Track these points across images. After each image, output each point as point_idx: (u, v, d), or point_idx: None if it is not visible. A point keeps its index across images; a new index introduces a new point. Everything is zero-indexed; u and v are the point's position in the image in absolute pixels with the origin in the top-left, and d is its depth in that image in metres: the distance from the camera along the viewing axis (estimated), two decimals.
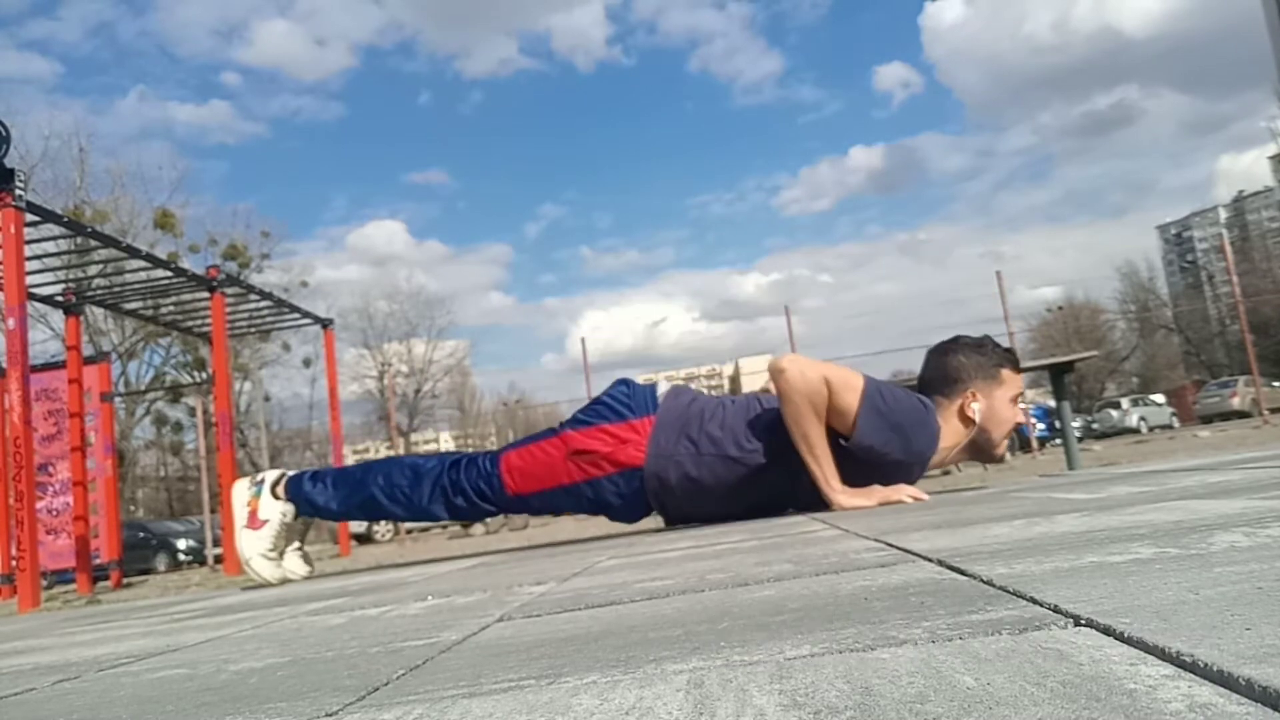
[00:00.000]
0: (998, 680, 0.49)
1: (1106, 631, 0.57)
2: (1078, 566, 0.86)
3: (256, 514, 2.88)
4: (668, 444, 2.64)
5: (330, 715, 0.66)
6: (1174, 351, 47.94)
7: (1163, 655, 0.50)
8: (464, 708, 0.61)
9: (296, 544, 3.01)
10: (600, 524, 6.11)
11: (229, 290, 7.60)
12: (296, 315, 8.92)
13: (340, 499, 2.86)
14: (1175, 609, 0.60)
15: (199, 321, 8.53)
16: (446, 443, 46.83)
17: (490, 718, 0.57)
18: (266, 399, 32.89)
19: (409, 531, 16.86)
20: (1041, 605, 0.69)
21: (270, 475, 2.95)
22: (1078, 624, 0.61)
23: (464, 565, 2.65)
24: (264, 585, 2.83)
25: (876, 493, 2.55)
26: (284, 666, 0.96)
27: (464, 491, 2.76)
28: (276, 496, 2.89)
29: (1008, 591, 0.77)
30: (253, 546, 2.85)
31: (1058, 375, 4.28)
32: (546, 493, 2.73)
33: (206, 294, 7.44)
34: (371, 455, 44.11)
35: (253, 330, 10.73)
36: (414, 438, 41.42)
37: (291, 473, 2.95)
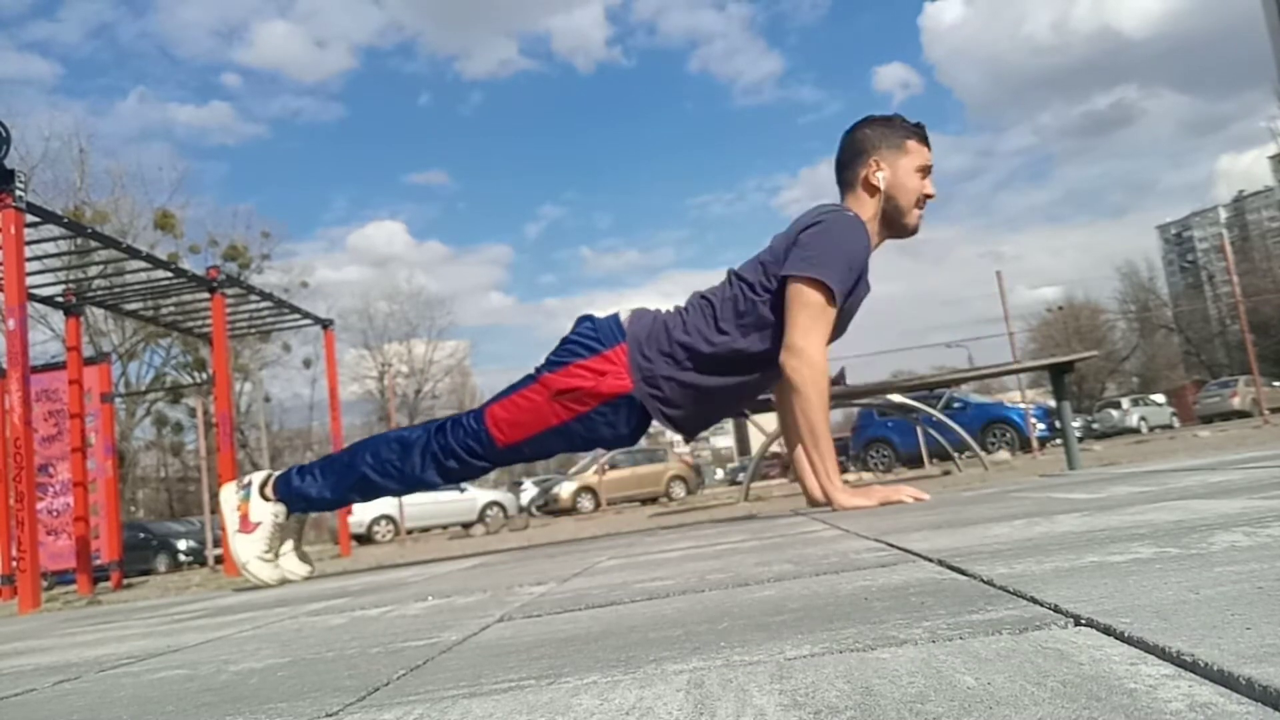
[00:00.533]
0: (998, 680, 0.49)
1: (1107, 631, 0.57)
2: (1078, 566, 0.86)
3: (248, 517, 2.86)
4: (648, 363, 2.65)
5: (330, 715, 0.66)
6: (1174, 351, 47.94)
7: (1163, 655, 0.50)
8: (464, 708, 0.61)
9: (294, 544, 3.00)
10: (601, 525, 6.11)
11: (229, 291, 7.59)
12: (297, 316, 8.91)
13: (332, 486, 2.84)
14: (1175, 609, 0.60)
15: (199, 322, 8.52)
16: None
17: (490, 718, 0.57)
18: (267, 399, 32.92)
19: (409, 531, 16.86)
20: (1042, 605, 0.69)
21: (257, 477, 2.94)
22: (1078, 624, 0.61)
23: (464, 565, 2.65)
24: (263, 587, 2.83)
25: (877, 492, 2.55)
26: (284, 667, 0.96)
27: (454, 453, 2.74)
28: (266, 498, 2.88)
29: (1008, 591, 0.77)
30: (248, 550, 2.84)
31: (1058, 375, 4.28)
32: (536, 437, 2.72)
33: (207, 295, 7.43)
34: None
35: (253, 331, 10.73)
36: None
37: (278, 472, 2.94)
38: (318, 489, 2.85)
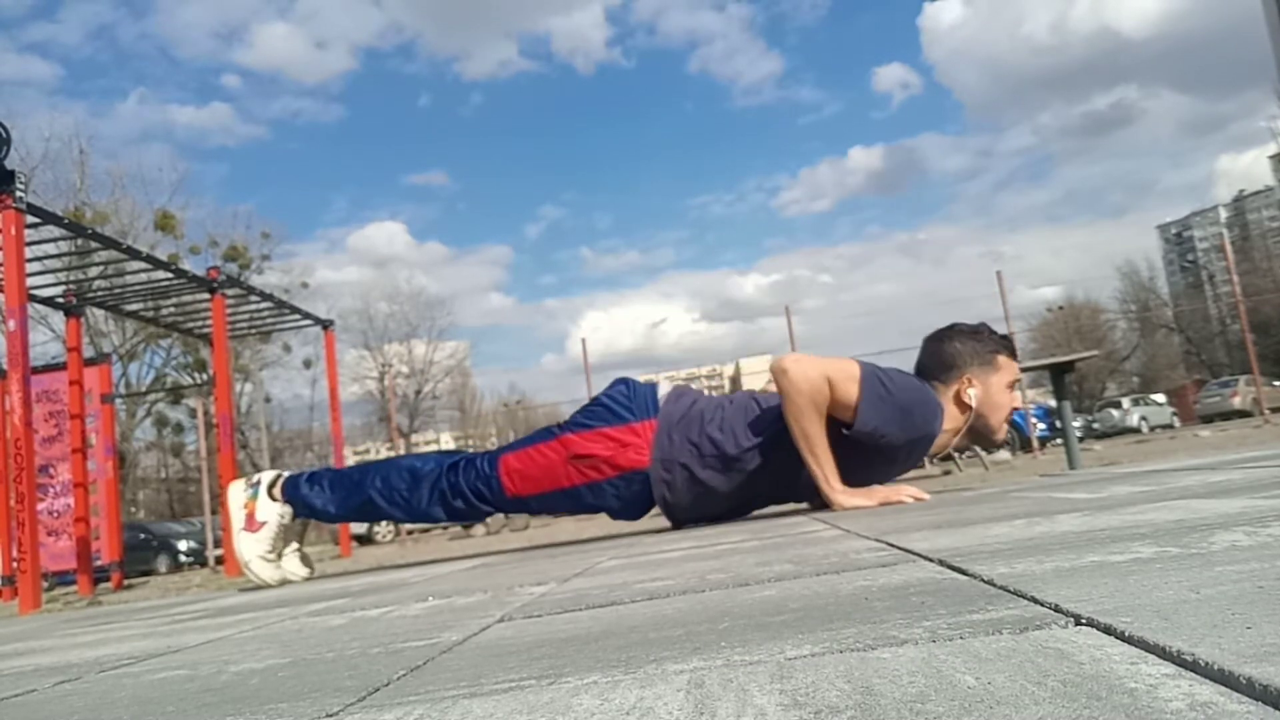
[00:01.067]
0: (998, 680, 0.49)
1: (1107, 631, 0.57)
2: (1078, 566, 0.86)
3: (254, 516, 2.87)
4: (671, 448, 2.64)
5: (330, 716, 0.66)
6: (1175, 351, 47.92)
7: (1163, 654, 0.49)
8: (464, 708, 0.61)
9: (295, 545, 3.00)
10: (601, 525, 6.11)
11: (229, 292, 7.59)
12: (297, 316, 8.91)
13: (338, 502, 2.85)
14: (1176, 608, 0.60)
15: (200, 323, 8.53)
16: (447, 444, 46.79)
17: (491, 718, 0.57)
18: (267, 400, 32.90)
19: (410, 532, 16.85)
20: (1042, 605, 0.69)
21: (266, 477, 2.94)
22: (1078, 623, 0.61)
23: (465, 566, 2.64)
24: (264, 587, 2.83)
25: (877, 493, 2.55)
26: (285, 667, 0.96)
27: (463, 494, 2.76)
28: (273, 498, 2.88)
29: (1008, 591, 0.77)
30: (251, 549, 2.85)
31: (1058, 375, 4.28)
32: (546, 495, 2.73)
33: (207, 295, 7.43)
34: (372, 456, 44.14)
35: (253, 332, 10.72)
36: (415, 439, 41.41)
37: (288, 474, 2.95)
38: (323, 501, 2.85)
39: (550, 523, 10.57)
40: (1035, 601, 0.70)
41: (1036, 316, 45.17)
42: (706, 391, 2.95)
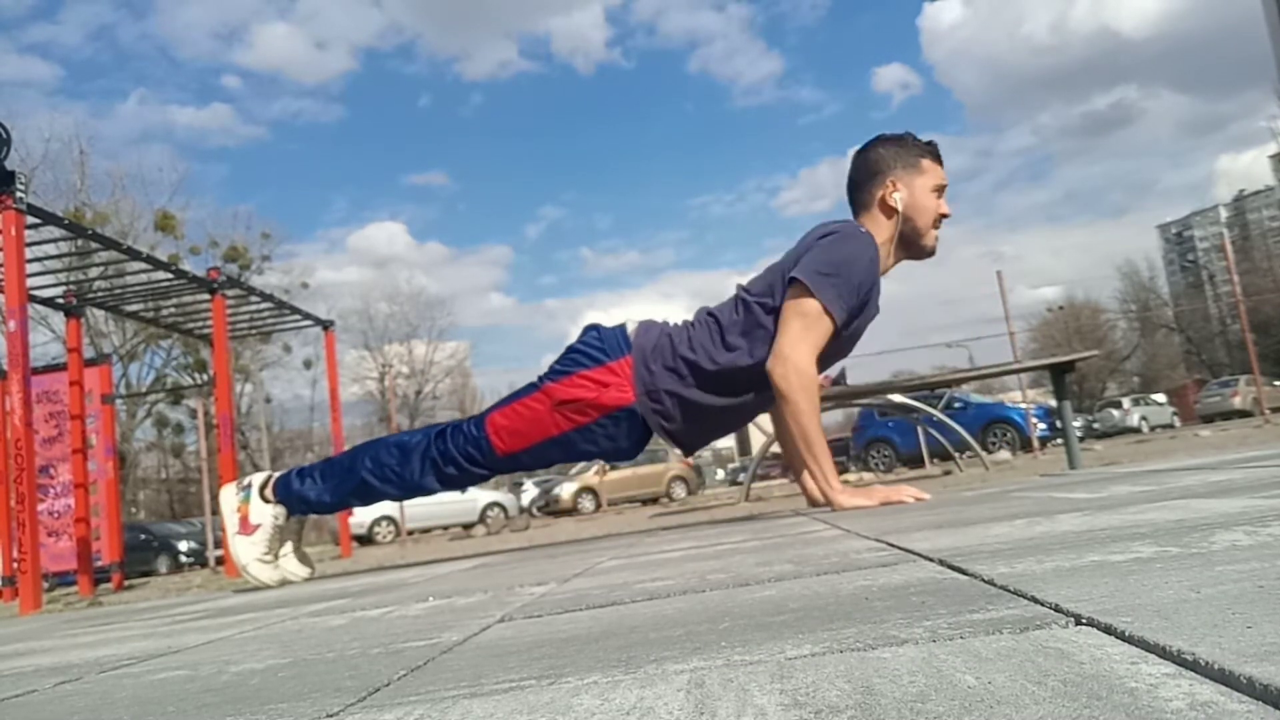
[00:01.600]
0: (999, 679, 0.49)
1: (1107, 630, 0.57)
2: (1079, 566, 0.86)
3: (248, 519, 2.86)
4: (651, 378, 2.64)
5: (331, 716, 0.66)
6: (1175, 351, 47.91)
7: (1164, 654, 0.49)
8: (465, 708, 0.61)
9: (294, 545, 3.00)
10: (602, 525, 6.11)
11: (230, 292, 7.59)
12: (297, 317, 8.90)
13: (331, 490, 2.84)
14: (1176, 608, 0.60)
15: (200, 323, 8.53)
16: None
17: (491, 718, 0.57)
18: (268, 400, 32.92)
19: (410, 532, 16.85)
20: (1043, 604, 0.69)
21: (257, 479, 2.93)
22: (1079, 623, 0.60)
23: (465, 566, 2.65)
24: (263, 588, 2.83)
25: (877, 493, 2.55)
26: (285, 668, 0.96)
27: (454, 460, 2.74)
28: (265, 499, 2.87)
29: (1009, 591, 0.77)
30: (248, 552, 2.84)
31: (1058, 375, 4.28)
32: (536, 447, 2.72)
33: (207, 296, 7.43)
34: None
35: (254, 332, 10.72)
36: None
37: (278, 473, 2.94)
38: (317, 492, 2.85)
39: (550, 523, 10.57)
40: (1035, 601, 0.70)
41: (1037, 316, 45.22)
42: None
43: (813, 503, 2.95)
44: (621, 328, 2.78)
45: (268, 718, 0.69)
